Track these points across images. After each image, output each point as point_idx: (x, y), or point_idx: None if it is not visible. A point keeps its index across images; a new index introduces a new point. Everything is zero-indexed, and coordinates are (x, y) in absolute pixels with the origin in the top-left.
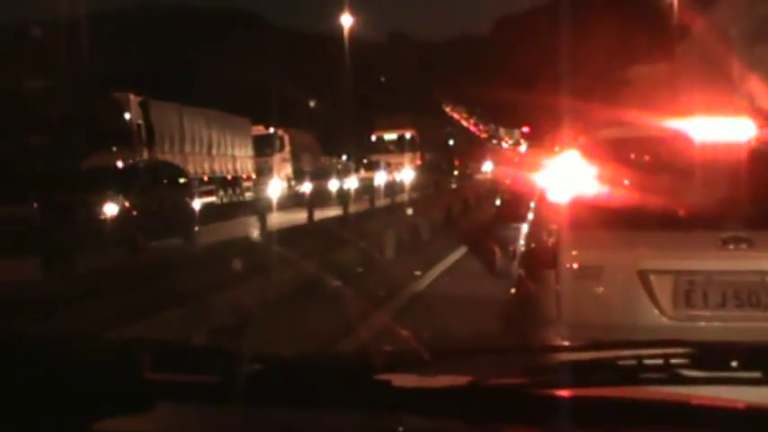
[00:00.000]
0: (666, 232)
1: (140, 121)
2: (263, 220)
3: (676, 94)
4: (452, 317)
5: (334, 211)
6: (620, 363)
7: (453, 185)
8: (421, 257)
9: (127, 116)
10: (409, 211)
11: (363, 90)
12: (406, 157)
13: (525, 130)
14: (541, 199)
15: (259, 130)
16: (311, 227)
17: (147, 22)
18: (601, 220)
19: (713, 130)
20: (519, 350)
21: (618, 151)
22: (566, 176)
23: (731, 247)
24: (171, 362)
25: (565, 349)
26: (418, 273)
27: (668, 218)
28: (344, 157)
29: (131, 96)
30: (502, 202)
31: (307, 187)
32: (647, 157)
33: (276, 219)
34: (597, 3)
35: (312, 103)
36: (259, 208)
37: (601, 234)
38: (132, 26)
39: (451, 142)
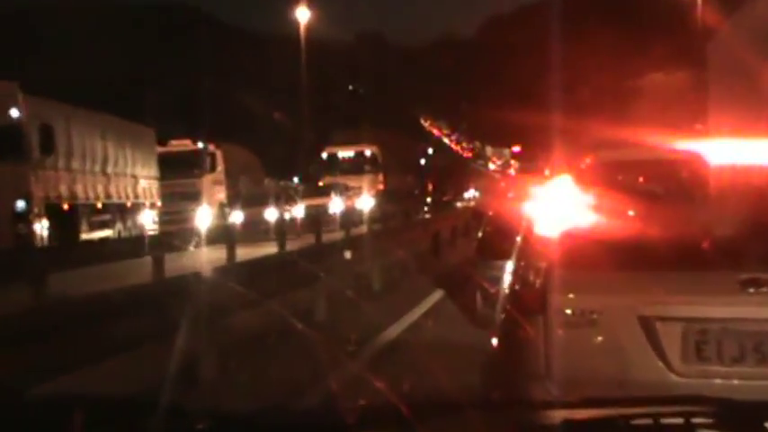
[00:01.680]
0: (675, 272)
1: (32, 121)
2: (157, 264)
3: (698, 108)
4: (425, 370)
5: (268, 248)
6: (634, 422)
7: (427, 215)
8: (370, 316)
9: (14, 113)
10: (365, 247)
11: (328, 99)
12: (365, 180)
13: (516, 149)
14: (528, 232)
15: (184, 144)
16: (228, 271)
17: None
18: (597, 258)
19: (735, 151)
20: (512, 406)
21: (620, 176)
22: (557, 206)
23: (751, 290)
24: (108, 421)
25: (564, 406)
26: (351, 348)
27: (677, 255)
28: (296, 180)
29: (17, 86)
30: (483, 236)
31: (236, 217)
32: (654, 184)
33: (188, 258)
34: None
35: (277, 115)
36: (156, 245)
37: (597, 274)
38: (64, 21)
39: (423, 162)
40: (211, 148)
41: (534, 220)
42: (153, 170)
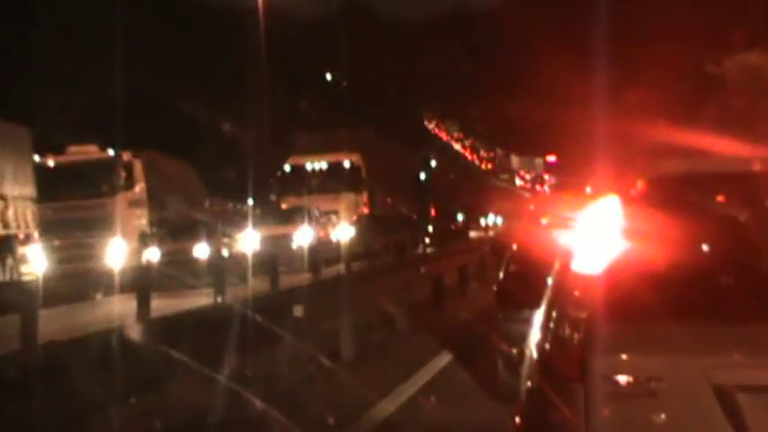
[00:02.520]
0: (762, 326)
1: None
2: (27, 324)
3: None
4: None
5: (199, 298)
6: None
7: (428, 249)
8: (341, 394)
9: None
10: (339, 295)
11: (297, 93)
12: (343, 202)
13: (551, 159)
14: (564, 272)
15: (88, 151)
16: (133, 333)
17: None
18: (657, 306)
19: None
20: None
21: (689, 196)
22: (602, 236)
23: None
24: None
25: None
26: None
27: (763, 303)
28: (251, 202)
29: None
30: (506, 278)
31: (153, 254)
32: (736, 207)
33: (84, 313)
34: None
35: (227, 126)
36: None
37: (656, 328)
38: None
39: (424, 176)
40: (127, 156)
41: (572, 254)
42: (28, 188)
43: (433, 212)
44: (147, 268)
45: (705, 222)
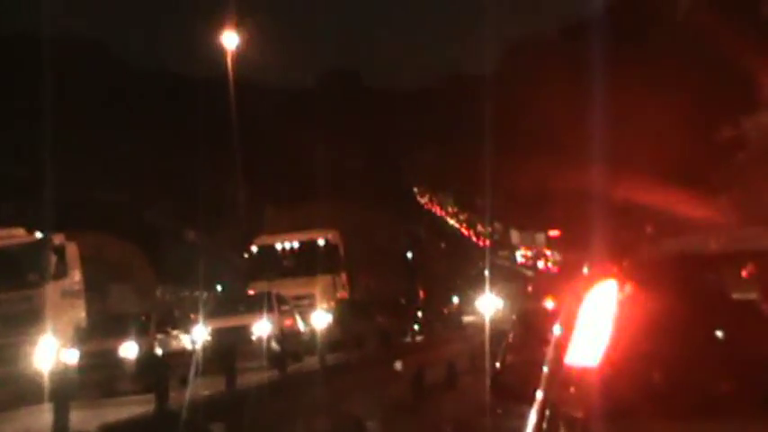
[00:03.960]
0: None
1: None
2: None
3: None
4: None
5: (133, 407)
6: None
7: (418, 337)
8: None
9: None
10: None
11: (268, 162)
12: (318, 285)
13: (553, 234)
14: (557, 364)
15: (11, 234)
16: None
17: None
18: (662, 402)
19: None
20: None
21: (697, 279)
22: (597, 324)
23: None
24: None
25: None
26: None
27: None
28: (219, 288)
29: None
30: (503, 369)
31: (70, 356)
32: (755, 292)
33: None
34: (667, 16)
35: (191, 235)
36: None
37: (655, 427)
38: None
39: (411, 255)
40: (58, 239)
41: (566, 343)
42: None
43: (422, 295)
44: (64, 373)
45: (717, 309)
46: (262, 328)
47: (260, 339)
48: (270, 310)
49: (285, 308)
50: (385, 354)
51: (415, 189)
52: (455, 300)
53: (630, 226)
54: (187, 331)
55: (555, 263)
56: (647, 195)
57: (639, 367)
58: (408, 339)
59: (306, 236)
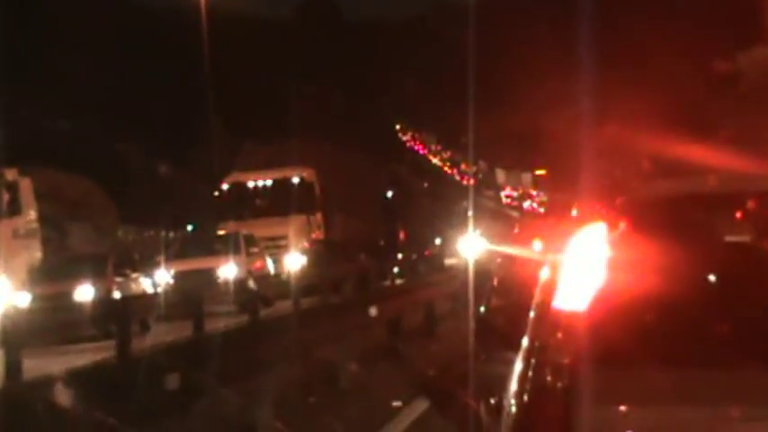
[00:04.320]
0: (763, 372)
1: None
2: None
3: None
4: None
5: (95, 353)
6: None
7: (398, 280)
8: None
9: None
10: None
11: (243, 98)
12: (292, 225)
13: (540, 173)
14: (544, 309)
15: None
16: None
17: None
18: (647, 348)
19: None
20: None
21: (686, 222)
22: (586, 266)
23: None
24: None
25: None
26: None
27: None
28: (189, 228)
29: None
30: (486, 315)
31: (23, 299)
32: (736, 233)
33: None
34: None
35: (163, 169)
36: None
37: (649, 373)
38: None
39: (391, 194)
40: (11, 175)
41: (551, 285)
42: None
43: (402, 236)
44: (15, 317)
45: (708, 249)
46: (227, 270)
47: (226, 282)
48: (237, 251)
49: (254, 249)
50: (363, 297)
51: (397, 126)
52: (437, 241)
53: (622, 164)
54: (149, 274)
55: (541, 203)
56: (641, 132)
57: (631, 311)
58: (388, 282)
59: (280, 174)
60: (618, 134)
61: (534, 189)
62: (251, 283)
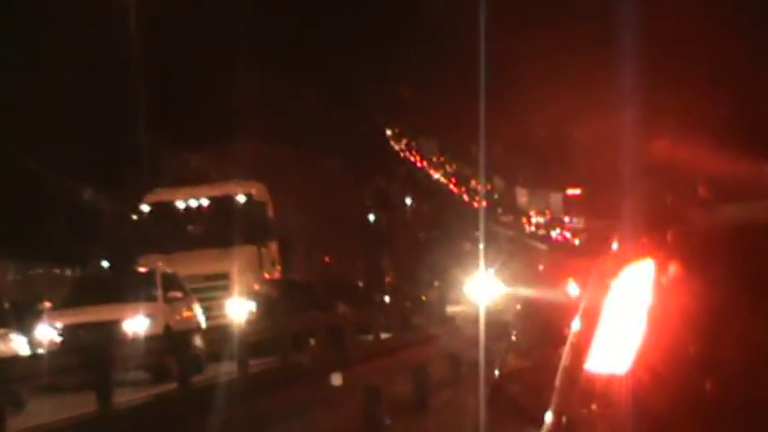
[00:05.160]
0: None
1: None
2: None
3: None
4: None
5: None
6: None
7: (384, 335)
8: None
9: None
10: None
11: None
12: (235, 260)
13: (573, 193)
14: (575, 369)
15: None
16: None
17: None
18: (707, 424)
19: None
20: None
21: (755, 260)
22: (629, 315)
23: None
24: None
25: None
26: None
27: None
28: (106, 264)
29: None
30: (501, 380)
31: None
32: None
33: None
34: None
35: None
36: None
37: None
38: None
39: (374, 219)
40: None
41: (587, 343)
42: None
43: (390, 275)
44: None
45: None
46: (136, 323)
47: (136, 340)
48: (151, 296)
49: (175, 293)
50: (335, 358)
51: (388, 132)
52: (437, 283)
53: (675, 187)
54: (25, 329)
55: (575, 233)
56: (700, 147)
57: (684, 376)
58: (370, 337)
59: (219, 190)
60: (671, 149)
61: (566, 214)
62: (197, 340)
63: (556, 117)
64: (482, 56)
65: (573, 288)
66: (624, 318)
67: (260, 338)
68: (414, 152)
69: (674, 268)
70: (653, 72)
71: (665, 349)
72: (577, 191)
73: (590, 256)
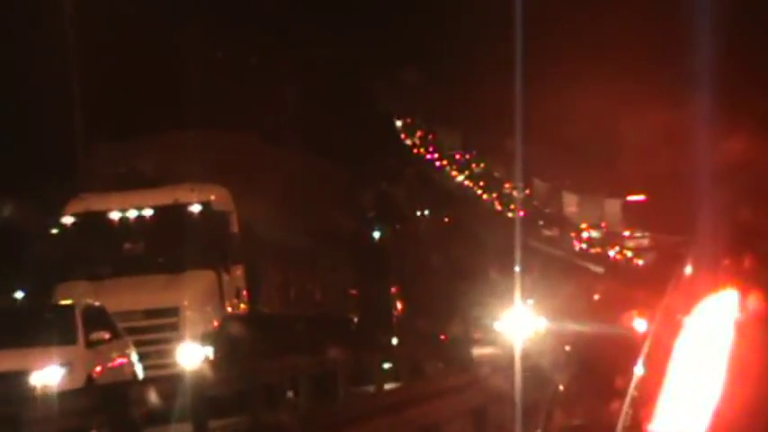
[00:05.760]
0: None
1: None
2: None
3: None
4: None
5: None
6: None
7: (388, 385)
8: None
9: None
10: None
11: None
12: (187, 289)
13: (635, 199)
14: (637, 429)
15: None
16: None
17: None
18: None
19: None
20: None
21: None
22: (704, 360)
23: None
24: None
25: None
26: None
27: None
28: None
29: None
30: None
31: None
32: None
33: None
34: None
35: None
36: None
37: None
38: None
39: (378, 235)
40: None
41: (653, 397)
42: None
43: (399, 307)
44: None
45: None
46: (48, 375)
47: (47, 397)
48: (69, 339)
49: (102, 334)
50: (323, 417)
51: (398, 122)
52: (459, 317)
53: (754, 194)
54: None
55: (638, 251)
56: None
57: None
58: (371, 389)
59: (167, 196)
60: (747, 148)
61: (627, 228)
62: (132, 395)
63: (612, 103)
64: (518, 28)
65: (639, 323)
66: (700, 364)
67: (222, 392)
68: (431, 148)
69: (758, 300)
70: (728, 58)
71: (751, 406)
72: (641, 197)
73: (659, 282)
